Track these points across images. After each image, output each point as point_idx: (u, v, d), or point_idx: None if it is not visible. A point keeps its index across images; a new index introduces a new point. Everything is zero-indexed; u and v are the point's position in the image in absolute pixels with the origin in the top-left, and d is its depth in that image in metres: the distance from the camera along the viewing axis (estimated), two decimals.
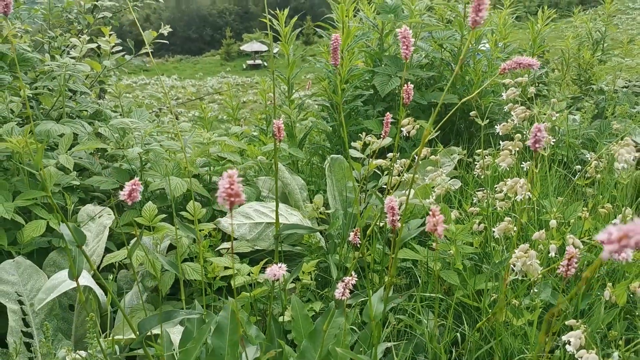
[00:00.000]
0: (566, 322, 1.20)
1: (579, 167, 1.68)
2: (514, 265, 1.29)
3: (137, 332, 1.13)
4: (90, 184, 2.04)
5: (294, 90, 2.40)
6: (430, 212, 0.74)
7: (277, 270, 1.03)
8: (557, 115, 1.85)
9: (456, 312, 1.52)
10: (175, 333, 1.46)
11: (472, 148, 2.48)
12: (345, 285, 1.17)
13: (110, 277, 1.56)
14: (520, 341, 1.33)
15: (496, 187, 1.39)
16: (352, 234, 1.44)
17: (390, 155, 1.56)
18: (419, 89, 2.63)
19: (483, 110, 2.60)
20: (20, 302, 1.63)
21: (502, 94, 1.54)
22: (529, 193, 1.28)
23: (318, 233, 1.90)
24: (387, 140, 1.75)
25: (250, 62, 41.89)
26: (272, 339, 1.35)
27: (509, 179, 1.32)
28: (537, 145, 0.76)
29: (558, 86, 3.88)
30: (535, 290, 1.42)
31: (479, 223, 1.51)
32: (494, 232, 1.36)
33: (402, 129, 1.54)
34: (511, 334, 1.34)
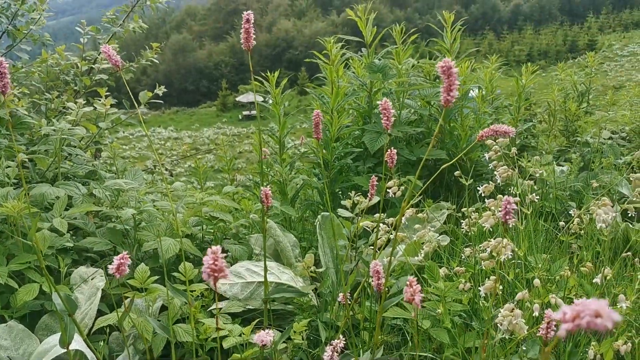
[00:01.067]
0: None
1: (563, 223, 1.72)
2: (501, 325, 1.31)
3: None
4: (83, 245, 2.07)
5: (288, 141, 2.45)
6: (408, 283, 0.77)
7: (265, 336, 1.05)
8: (542, 171, 1.90)
9: None
10: None
11: (462, 202, 2.52)
12: (334, 348, 1.19)
13: (102, 342, 1.56)
14: None
15: (480, 247, 1.42)
16: (341, 295, 1.46)
17: (376, 215, 1.59)
18: (409, 144, 2.70)
19: (469, 166, 2.66)
20: None
21: (485, 155, 1.59)
22: (510, 254, 1.32)
23: (310, 292, 1.92)
24: (375, 200, 1.79)
25: (246, 112, 42.45)
26: None
27: (492, 239, 1.35)
28: (507, 217, 0.80)
29: (546, 137, 3.96)
30: (524, 348, 1.44)
31: (466, 282, 1.53)
32: (480, 291, 1.39)
33: (387, 190, 1.58)
34: None
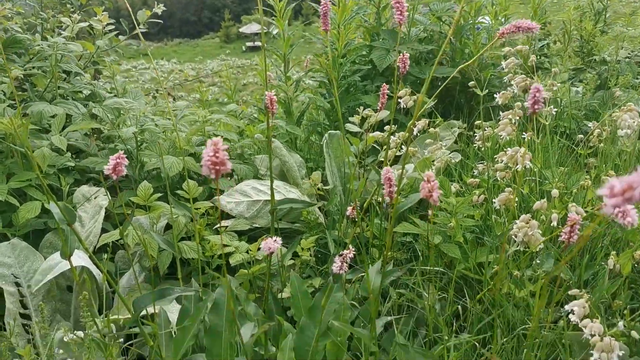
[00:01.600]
0: (569, 292, 1.18)
1: (581, 136, 1.65)
2: (515, 237, 1.27)
3: (133, 311, 1.11)
4: (85, 165, 2.02)
5: (291, 67, 2.36)
6: (425, 178, 0.71)
7: (272, 243, 1.00)
8: (559, 85, 1.81)
9: (457, 286, 1.50)
10: (173, 312, 1.45)
11: (473, 121, 2.45)
12: (343, 259, 1.15)
13: (105, 256, 1.54)
14: (522, 313, 1.31)
15: (496, 158, 1.36)
16: (349, 208, 1.41)
17: (387, 128, 1.53)
18: (418, 63, 2.59)
19: (483, 82, 2.56)
20: (17, 284, 1.61)
21: (502, 63, 1.50)
22: (529, 163, 1.25)
23: (317, 209, 1.88)
24: (385, 114, 1.71)
25: (249, 44, 41.59)
26: (271, 316, 1.33)
27: (509, 149, 1.29)
28: (535, 107, 0.73)
29: (560, 58, 3.82)
30: (538, 262, 1.40)
31: (479, 195, 1.48)
32: (494, 203, 1.34)
33: (399, 100, 1.51)
34: (513, 305, 1.32)
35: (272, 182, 1.20)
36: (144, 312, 1.49)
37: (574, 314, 1.04)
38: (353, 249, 1.14)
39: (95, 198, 1.85)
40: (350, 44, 2.38)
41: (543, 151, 1.72)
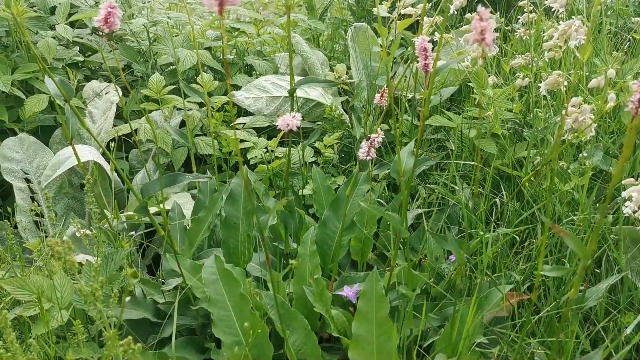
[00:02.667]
0: (623, 181, 1.05)
1: (637, 19, 1.47)
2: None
3: (140, 197, 1.02)
4: (95, 61, 1.91)
5: None
6: (477, 16, 0.58)
7: (290, 119, 0.89)
8: None
9: (494, 182, 1.39)
10: (188, 208, 1.36)
11: (510, 16, 2.25)
12: (371, 143, 1.03)
13: (113, 144, 1.45)
14: (566, 208, 1.20)
15: (544, 35, 1.21)
16: (378, 96, 1.28)
17: (420, 5, 1.37)
18: None
19: None
20: (27, 180, 1.54)
21: None
22: (584, 38, 1.10)
23: (340, 107, 1.75)
24: None
25: None
26: (291, 210, 1.24)
27: (560, 23, 1.13)
28: None
29: None
30: (585, 155, 1.27)
31: (523, 77, 1.33)
32: (539, 88, 1.20)
33: None
34: (556, 200, 1.20)
35: (291, 59, 1.07)
36: (156, 209, 1.42)
37: (632, 200, 0.92)
38: (382, 133, 1.02)
39: (106, 94, 1.75)
40: None
41: (591, 41, 1.55)
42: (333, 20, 2.29)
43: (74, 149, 1.07)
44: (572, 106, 1.11)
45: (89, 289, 0.73)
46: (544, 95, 1.48)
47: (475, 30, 0.57)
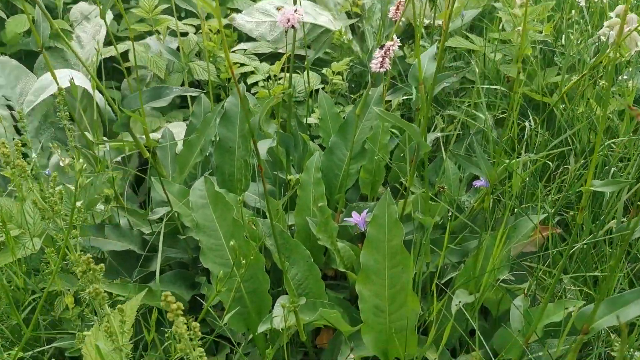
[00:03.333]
0: None
1: None
2: (605, 37, 0.99)
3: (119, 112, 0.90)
4: None
5: None
6: None
7: (291, 14, 0.75)
8: None
9: (521, 110, 1.25)
10: (181, 136, 1.24)
11: None
12: (385, 52, 0.89)
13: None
14: (604, 135, 1.06)
15: None
16: (392, 8, 1.14)
17: None
18: None
19: None
20: (10, 108, 1.42)
21: None
22: None
23: (350, 34, 1.60)
24: None
25: None
26: (294, 135, 1.11)
27: None
28: None
29: None
30: (625, 77, 1.13)
31: None
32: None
33: None
34: (589, 129, 1.06)
35: None
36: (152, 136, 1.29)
37: None
38: (398, 41, 0.89)
39: (95, 17, 1.60)
40: None
41: None
42: None
43: (46, 60, 0.95)
44: (616, 15, 0.96)
45: (47, 204, 0.62)
46: (580, 11, 1.32)
47: None
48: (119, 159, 1.19)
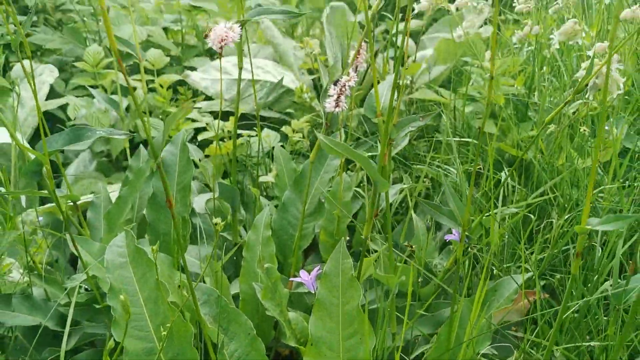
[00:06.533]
0: None
1: None
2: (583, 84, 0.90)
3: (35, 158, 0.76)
4: (35, 42, 1.66)
5: None
6: None
7: (225, 31, 0.64)
8: None
9: (495, 166, 1.15)
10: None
11: (505, 3, 2.05)
12: (341, 89, 0.79)
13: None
14: (584, 192, 0.95)
15: None
16: (352, 52, 1.05)
17: None
18: None
19: None
20: None
21: None
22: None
23: (311, 92, 1.52)
24: None
25: None
26: (243, 192, 0.99)
27: None
28: None
29: None
30: (606, 128, 1.04)
31: (532, 26, 1.11)
32: (552, 39, 0.97)
33: None
34: (571, 182, 0.96)
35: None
36: (85, 199, 1.15)
37: None
38: (355, 75, 0.78)
39: (40, 75, 1.50)
40: None
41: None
42: (312, 9, 2.07)
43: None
44: (596, 51, 0.88)
45: None
46: (554, 56, 1.26)
47: None
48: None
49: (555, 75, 1.29)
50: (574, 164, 0.96)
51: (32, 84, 0.77)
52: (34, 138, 1.45)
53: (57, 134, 0.77)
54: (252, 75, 0.97)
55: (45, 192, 0.81)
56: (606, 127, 1.04)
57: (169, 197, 0.52)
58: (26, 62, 1.51)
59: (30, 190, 0.93)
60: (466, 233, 0.71)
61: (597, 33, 1.10)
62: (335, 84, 0.79)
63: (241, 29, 0.82)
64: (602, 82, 0.88)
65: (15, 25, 0.76)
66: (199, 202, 0.97)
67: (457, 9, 1.26)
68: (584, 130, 0.94)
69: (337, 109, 0.79)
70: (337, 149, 0.61)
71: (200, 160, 1.07)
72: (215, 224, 0.55)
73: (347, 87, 0.78)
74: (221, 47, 0.62)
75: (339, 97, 0.78)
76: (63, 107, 1.48)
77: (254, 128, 1.38)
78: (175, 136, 0.91)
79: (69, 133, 0.77)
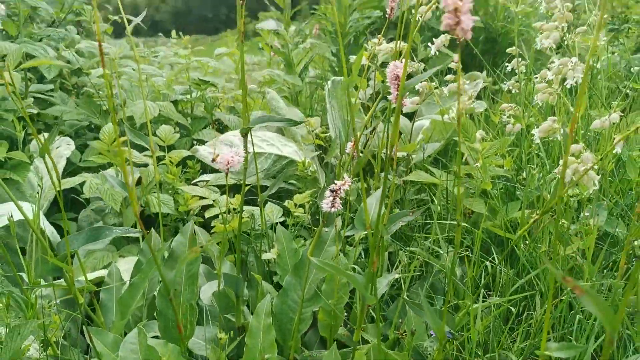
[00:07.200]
0: (636, 242, 0.89)
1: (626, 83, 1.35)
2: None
3: (52, 255, 0.84)
4: (52, 114, 1.76)
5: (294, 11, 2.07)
6: None
7: (232, 156, 0.73)
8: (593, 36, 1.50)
9: (484, 246, 1.21)
10: (131, 269, 1.17)
11: (498, 74, 2.15)
12: (336, 192, 0.87)
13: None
14: (568, 276, 1.02)
15: (536, 78, 1.07)
16: (350, 144, 1.13)
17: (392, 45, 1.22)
18: (434, 13, 2.30)
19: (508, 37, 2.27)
20: None
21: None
22: (580, 76, 0.96)
23: (315, 163, 1.60)
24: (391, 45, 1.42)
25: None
26: (249, 278, 1.06)
27: (555, 60, 1.00)
28: None
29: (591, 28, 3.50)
30: (587, 214, 1.11)
31: (514, 124, 1.19)
32: (533, 135, 1.05)
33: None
34: (556, 267, 1.02)
35: (244, 93, 0.91)
36: (98, 274, 1.23)
37: None
38: (349, 180, 0.86)
39: (57, 148, 1.59)
40: None
41: (586, 90, 1.43)
42: (311, 78, 2.18)
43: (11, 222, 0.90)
44: (571, 154, 0.96)
45: None
46: (538, 148, 1.33)
47: (447, 8, 0.42)
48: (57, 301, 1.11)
49: (543, 154, 1.36)
50: (556, 251, 1.03)
51: (50, 170, 0.85)
52: (52, 208, 1.53)
53: (78, 234, 0.85)
54: (253, 147, 1.05)
55: (64, 284, 0.89)
56: (587, 214, 1.12)
57: (179, 324, 0.59)
58: (45, 136, 1.61)
59: (51, 284, 1.00)
60: (449, 330, 0.77)
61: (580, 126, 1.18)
62: (331, 188, 0.87)
63: (244, 136, 0.91)
64: (577, 178, 0.96)
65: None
66: (206, 292, 1.04)
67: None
68: (562, 222, 1.01)
69: (332, 209, 0.86)
70: (327, 268, 0.68)
71: (207, 241, 1.14)
72: (220, 338, 0.62)
73: (341, 190, 0.86)
74: (227, 169, 0.70)
75: (334, 199, 0.86)
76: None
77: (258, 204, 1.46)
78: (184, 228, 0.98)
79: (89, 232, 0.85)
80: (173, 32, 2.40)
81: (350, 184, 0.87)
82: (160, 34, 4.91)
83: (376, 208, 0.76)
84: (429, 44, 1.22)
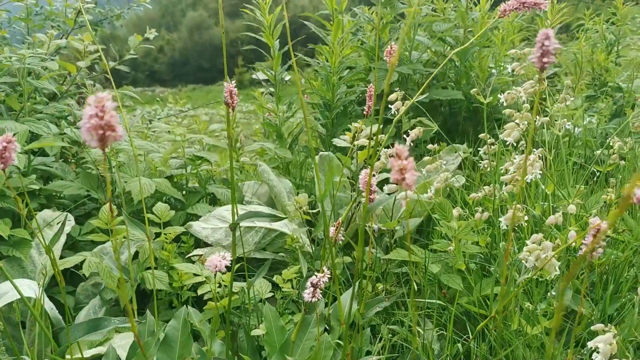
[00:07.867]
0: (592, 327, 0.96)
1: (598, 152, 1.46)
2: (526, 262, 1.06)
3: (56, 346, 0.91)
4: (53, 189, 1.85)
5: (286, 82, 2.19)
6: (395, 154, 0.52)
7: (218, 260, 0.81)
8: (572, 100, 1.62)
9: (460, 322, 1.29)
10: (129, 344, 1.24)
11: (478, 147, 2.26)
12: (316, 284, 0.95)
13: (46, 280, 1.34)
14: (536, 353, 1.10)
15: (501, 169, 1.17)
16: (332, 228, 1.22)
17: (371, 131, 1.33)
18: (420, 87, 2.43)
19: (489, 110, 2.39)
20: None
21: (508, 66, 1.32)
22: (540, 173, 1.06)
23: (303, 236, 1.68)
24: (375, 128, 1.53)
25: (262, 90, 41.99)
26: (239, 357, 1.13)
27: (516, 156, 1.10)
28: (544, 61, 0.54)
29: (572, 90, 3.65)
30: (553, 293, 1.19)
31: (483, 211, 1.28)
32: (500, 222, 1.14)
33: (390, 106, 1.34)
34: (524, 344, 1.10)
35: (233, 191, 1.01)
36: (95, 351, 1.29)
37: (598, 353, 0.83)
38: (328, 272, 0.95)
39: (58, 223, 1.67)
40: (345, 61, 2.22)
41: (556, 173, 1.53)
42: (302, 149, 2.28)
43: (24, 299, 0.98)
44: (532, 243, 1.04)
45: None
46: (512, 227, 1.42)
47: (394, 169, 0.51)
48: None
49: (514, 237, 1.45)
50: (524, 331, 1.11)
51: (48, 249, 0.93)
52: (51, 281, 1.60)
53: (79, 325, 0.92)
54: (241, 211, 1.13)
55: None
56: (554, 293, 1.20)
57: None
58: (47, 213, 1.69)
59: None
60: None
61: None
62: (312, 278, 0.95)
63: (233, 230, 0.99)
64: (540, 264, 1.05)
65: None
66: None
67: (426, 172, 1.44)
68: (528, 306, 1.09)
69: (313, 299, 0.95)
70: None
71: (199, 322, 1.22)
72: None
73: (321, 282, 0.95)
74: (215, 271, 0.79)
75: (314, 290, 0.94)
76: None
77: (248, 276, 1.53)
78: (177, 313, 1.06)
79: (89, 323, 0.92)
80: (170, 97, 2.51)
81: (329, 275, 0.96)
82: (158, 85, 5.06)
83: (352, 304, 0.84)
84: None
